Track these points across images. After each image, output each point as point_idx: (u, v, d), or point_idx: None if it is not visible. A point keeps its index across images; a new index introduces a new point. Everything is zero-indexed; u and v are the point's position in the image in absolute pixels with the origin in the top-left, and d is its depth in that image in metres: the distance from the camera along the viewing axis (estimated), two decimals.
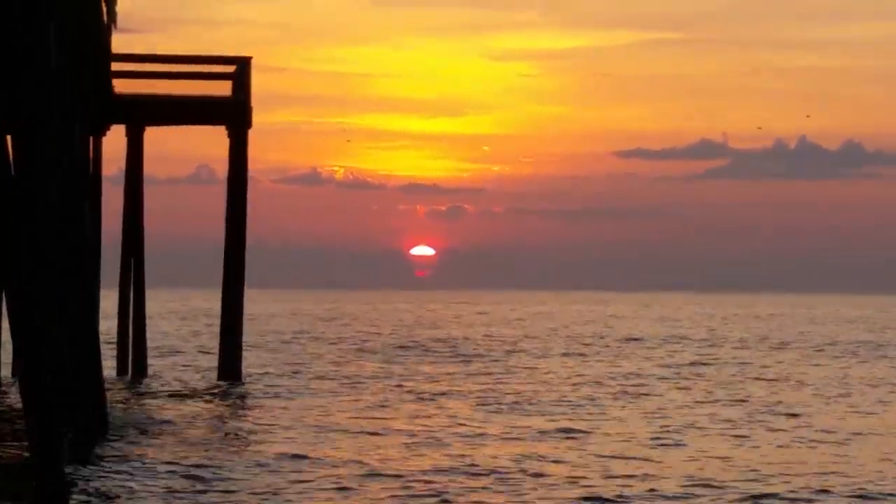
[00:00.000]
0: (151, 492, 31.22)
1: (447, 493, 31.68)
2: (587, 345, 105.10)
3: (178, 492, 30.92)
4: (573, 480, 35.43)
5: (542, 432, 45.42)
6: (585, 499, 32.55)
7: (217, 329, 55.01)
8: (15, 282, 23.37)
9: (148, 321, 55.90)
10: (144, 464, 35.42)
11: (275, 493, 31.44)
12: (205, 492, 31.55)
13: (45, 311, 24.62)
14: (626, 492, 33.44)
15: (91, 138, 45.40)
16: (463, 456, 37.89)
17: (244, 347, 58.99)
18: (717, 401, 57.45)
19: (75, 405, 32.80)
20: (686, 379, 60.51)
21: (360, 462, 36.35)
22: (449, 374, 59.36)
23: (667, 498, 32.83)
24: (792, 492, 34.29)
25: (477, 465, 36.60)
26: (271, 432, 43.73)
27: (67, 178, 34.68)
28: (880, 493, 33.61)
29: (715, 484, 34.70)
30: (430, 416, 49.07)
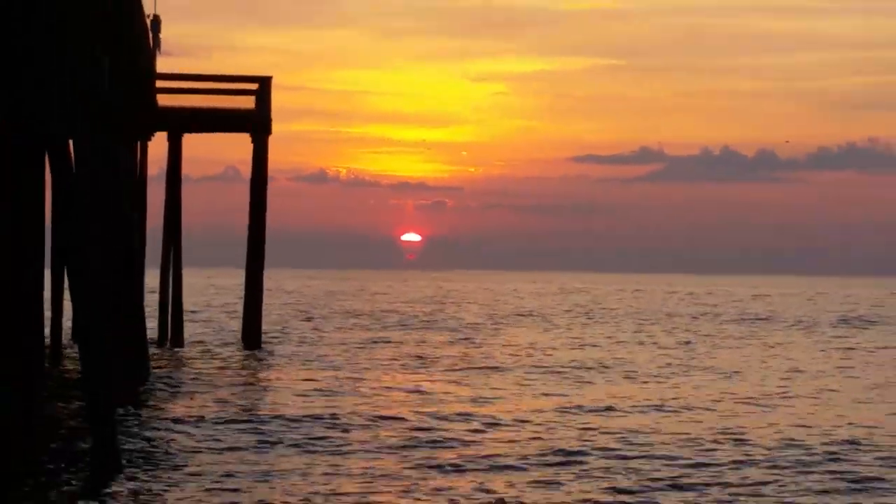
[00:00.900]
0: (189, 439, 31.08)
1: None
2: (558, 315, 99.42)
3: (213, 440, 30.88)
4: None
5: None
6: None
7: (241, 302, 53.68)
8: (76, 261, 23.54)
9: (183, 295, 54.30)
10: (181, 416, 35.66)
11: (276, 442, 31.46)
12: (238, 442, 31.20)
13: (99, 286, 24.85)
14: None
15: (139, 144, 45.55)
16: None
17: (262, 319, 59.71)
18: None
19: (124, 362, 33.15)
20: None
21: (365, 411, 36.42)
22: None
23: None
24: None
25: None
26: (287, 388, 43.80)
27: (119, 176, 34.97)
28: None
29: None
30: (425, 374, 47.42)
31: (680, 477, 28.31)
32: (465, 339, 75.43)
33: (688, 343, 76.70)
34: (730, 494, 26.42)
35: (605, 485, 26.72)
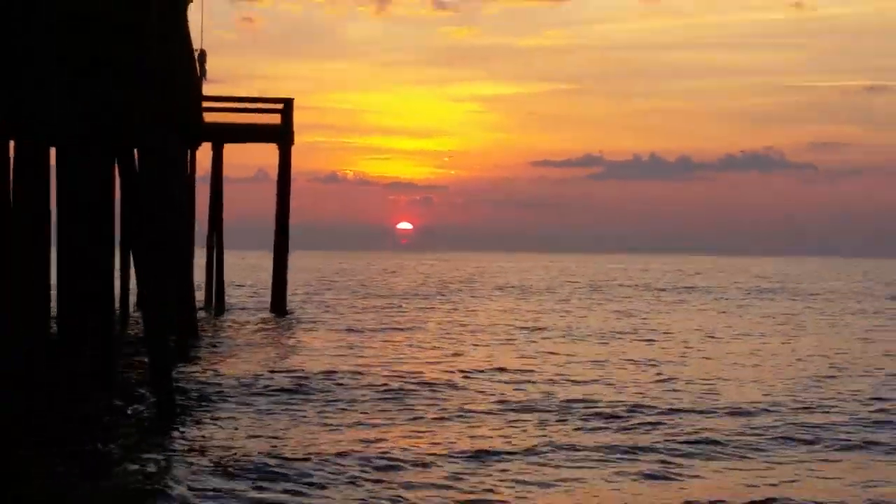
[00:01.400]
0: (230, 388, 29.98)
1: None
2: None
3: (249, 390, 29.42)
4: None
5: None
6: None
7: (270, 278, 53.35)
8: (141, 244, 23.29)
9: (224, 272, 54.51)
10: (222, 370, 34.27)
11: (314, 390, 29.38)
12: (270, 391, 29.59)
13: (159, 264, 24.68)
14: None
15: (189, 152, 45.39)
16: None
17: (288, 291, 58.55)
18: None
19: (177, 325, 33.09)
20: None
21: (374, 365, 34.57)
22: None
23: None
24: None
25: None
26: (309, 346, 42.11)
27: (175, 176, 34.97)
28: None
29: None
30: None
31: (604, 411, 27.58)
32: (453, 304, 75.40)
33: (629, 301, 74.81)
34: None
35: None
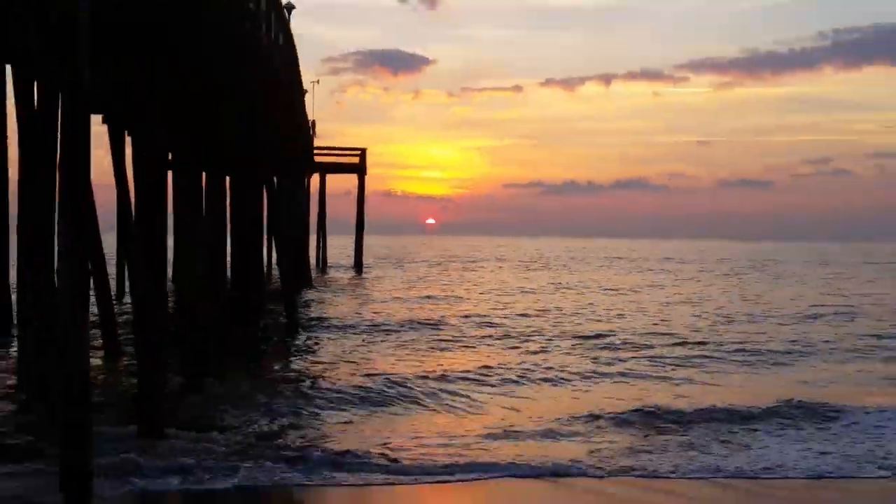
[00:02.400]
0: (333, 316, 28.39)
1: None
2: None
3: (346, 319, 27.00)
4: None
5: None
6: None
7: (353, 251, 53.71)
8: (281, 238, 23.62)
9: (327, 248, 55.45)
10: (328, 302, 33.10)
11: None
12: (360, 320, 27.36)
13: (290, 247, 24.98)
14: None
15: (307, 178, 45.62)
16: None
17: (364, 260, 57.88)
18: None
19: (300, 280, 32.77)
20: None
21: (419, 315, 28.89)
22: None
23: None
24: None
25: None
26: (377, 293, 39.83)
27: (300, 194, 34.99)
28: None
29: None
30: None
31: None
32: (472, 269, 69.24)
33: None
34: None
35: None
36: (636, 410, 13.92)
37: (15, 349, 16.15)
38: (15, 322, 17.44)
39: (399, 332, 25.33)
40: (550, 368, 18.81)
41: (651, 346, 22.67)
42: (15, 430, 11.75)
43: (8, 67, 15.53)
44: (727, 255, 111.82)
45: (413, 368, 18.23)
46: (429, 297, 38.77)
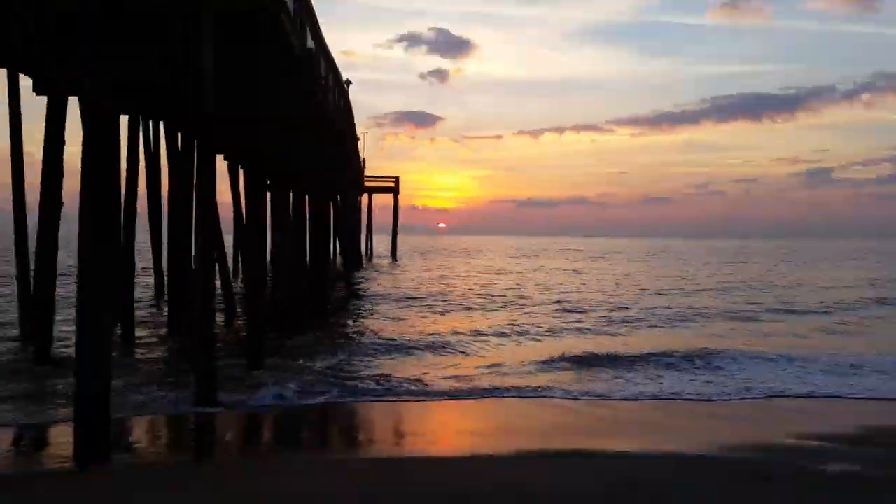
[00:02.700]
0: (377, 290, 27.07)
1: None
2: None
3: (383, 300, 24.47)
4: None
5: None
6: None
7: (390, 247, 53.18)
8: (343, 234, 23.15)
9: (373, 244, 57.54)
10: (375, 279, 30.91)
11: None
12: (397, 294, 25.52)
13: (351, 243, 24.28)
14: None
15: (359, 197, 45.07)
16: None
17: (398, 250, 57.93)
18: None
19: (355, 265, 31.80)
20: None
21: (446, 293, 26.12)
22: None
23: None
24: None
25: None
26: (406, 274, 38.32)
27: (356, 208, 34.09)
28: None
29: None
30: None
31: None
32: (470, 256, 65.80)
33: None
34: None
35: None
36: (589, 354, 13.39)
37: (166, 310, 16.06)
38: (165, 293, 17.71)
39: (422, 299, 24.83)
40: (530, 325, 18.08)
41: (595, 310, 21.72)
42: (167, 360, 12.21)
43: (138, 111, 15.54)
44: (641, 249, 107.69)
45: (431, 327, 17.86)
46: (442, 276, 37.98)
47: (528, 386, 11.12)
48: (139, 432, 8.09)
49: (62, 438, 7.43)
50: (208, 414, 8.74)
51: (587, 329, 18.12)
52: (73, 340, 6.70)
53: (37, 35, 9.81)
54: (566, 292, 28.81)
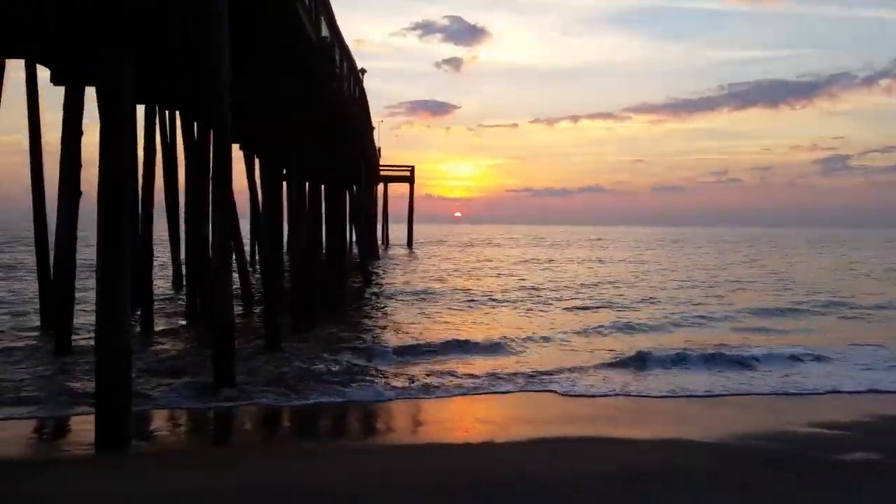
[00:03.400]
0: (391, 281, 26.45)
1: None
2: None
3: (395, 294, 23.71)
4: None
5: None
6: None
7: (406, 235, 53.05)
8: (358, 223, 23.16)
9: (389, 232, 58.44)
10: (388, 269, 31.45)
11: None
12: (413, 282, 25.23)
13: (366, 232, 24.12)
14: None
15: (374, 187, 44.98)
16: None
17: (414, 240, 57.31)
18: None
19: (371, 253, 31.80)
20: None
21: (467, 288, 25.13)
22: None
23: None
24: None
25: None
26: (422, 262, 39.03)
27: (369, 198, 34.07)
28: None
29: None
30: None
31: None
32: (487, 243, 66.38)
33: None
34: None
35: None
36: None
37: (184, 297, 16.11)
38: (184, 281, 17.50)
39: (430, 285, 24.93)
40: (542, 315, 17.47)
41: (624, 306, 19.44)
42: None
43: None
44: (657, 237, 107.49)
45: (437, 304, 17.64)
46: (455, 266, 37.41)
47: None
48: (158, 419, 7.99)
49: (83, 426, 7.41)
50: (227, 397, 8.57)
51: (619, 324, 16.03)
52: (94, 329, 6.67)
53: (54, 25, 9.67)
54: (587, 284, 26.30)
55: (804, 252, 56.90)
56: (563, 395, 9.50)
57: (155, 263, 14.63)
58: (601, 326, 15.14)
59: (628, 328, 15.28)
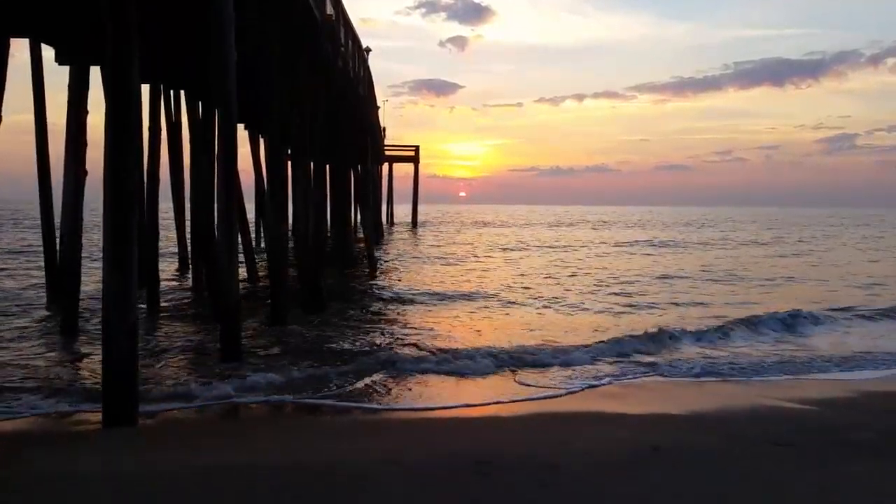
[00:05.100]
0: (396, 260, 26.53)
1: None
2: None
3: (403, 261, 25.18)
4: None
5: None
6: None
7: (410, 215, 54.28)
8: (363, 202, 23.04)
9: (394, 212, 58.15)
10: (392, 249, 30.83)
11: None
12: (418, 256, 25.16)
13: (369, 210, 24.05)
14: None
15: (379, 167, 44.99)
16: None
17: (418, 220, 57.83)
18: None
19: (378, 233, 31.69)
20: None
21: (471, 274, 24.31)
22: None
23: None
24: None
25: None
26: (424, 240, 37.71)
27: (374, 177, 34.03)
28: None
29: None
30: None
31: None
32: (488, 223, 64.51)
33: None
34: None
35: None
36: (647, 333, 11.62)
37: (190, 277, 16.21)
38: (189, 260, 17.65)
39: (434, 263, 25.01)
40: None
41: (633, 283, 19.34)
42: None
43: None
44: (663, 218, 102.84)
45: (437, 286, 17.78)
46: (454, 242, 37.70)
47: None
48: (165, 397, 7.91)
49: (90, 406, 7.36)
50: (233, 374, 8.48)
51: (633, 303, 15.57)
52: (100, 308, 6.66)
53: (59, 4, 9.62)
54: (595, 266, 24.86)
55: (852, 234, 51.19)
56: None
57: (160, 243, 14.46)
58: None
59: None
